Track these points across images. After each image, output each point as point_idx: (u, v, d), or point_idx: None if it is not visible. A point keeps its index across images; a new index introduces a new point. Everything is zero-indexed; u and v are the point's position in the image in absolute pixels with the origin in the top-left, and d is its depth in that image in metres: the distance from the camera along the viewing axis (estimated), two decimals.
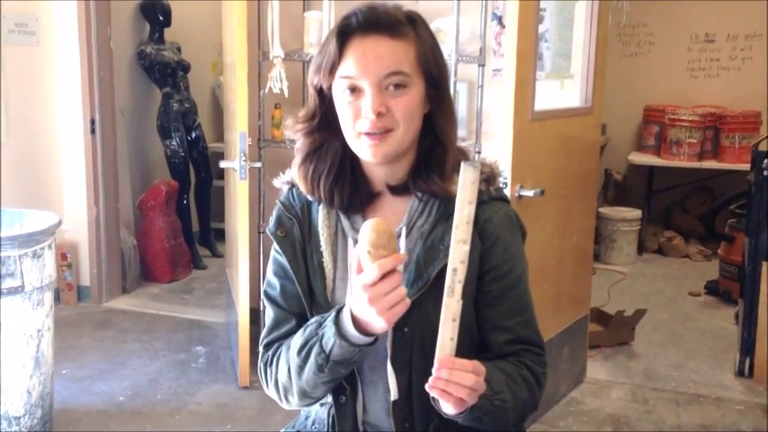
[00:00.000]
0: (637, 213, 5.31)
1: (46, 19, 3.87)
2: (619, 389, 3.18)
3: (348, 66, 1.13)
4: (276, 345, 1.26)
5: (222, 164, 3.20)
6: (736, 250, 4.11)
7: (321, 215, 1.24)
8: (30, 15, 3.78)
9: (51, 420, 2.71)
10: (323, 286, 1.22)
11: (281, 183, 1.30)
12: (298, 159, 1.24)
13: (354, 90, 1.14)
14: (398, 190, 1.22)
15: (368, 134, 1.14)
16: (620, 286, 4.64)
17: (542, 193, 2.45)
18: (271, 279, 1.28)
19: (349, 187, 1.22)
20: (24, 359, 2.52)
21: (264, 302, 1.29)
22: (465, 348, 1.16)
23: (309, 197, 1.25)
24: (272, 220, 1.28)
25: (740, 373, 3.31)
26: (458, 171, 1.20)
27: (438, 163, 1.19)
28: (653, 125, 5.60)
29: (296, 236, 1.24)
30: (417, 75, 1.15)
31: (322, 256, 1.22)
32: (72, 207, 4.00)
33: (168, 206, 4.56)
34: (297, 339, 1.18)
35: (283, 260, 1.24)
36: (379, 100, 1.12)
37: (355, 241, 1.22)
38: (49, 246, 2.56)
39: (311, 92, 1.21)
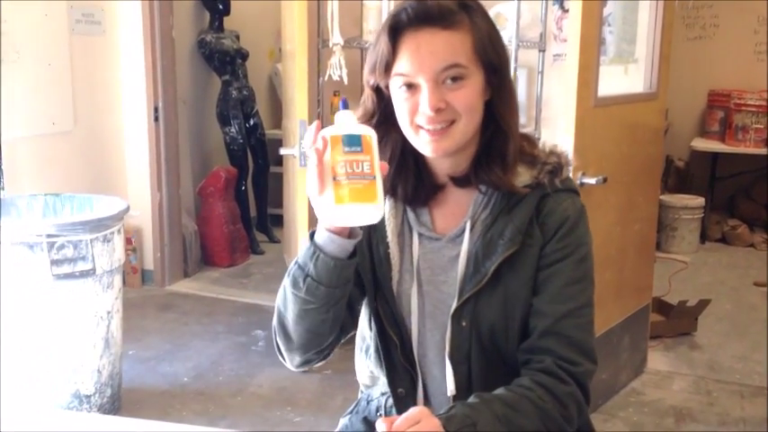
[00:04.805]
0: (699, 201, 5.17)
1: (111, 9, 3.97)
2: (681, 380, 3.12)
3: (402, 63, 1.10)
4: None
5: (282, 151, 3.24)
6: None
7: (388, 205, 1.22)
8: (96, 6, 3.88)
9: (119, 399, 2.80)
10: (389, 276, 1.21)
11: None
12: None
13: (411, 86, 1.11)
14: (462, 182, 1.19)
15: (427, 130, 1.11)
16: (682, 276, 4.53)
17: (605, 180, 2.41)
18: None
19: (413, 179, 1.20)
20: (95, 340, 2.61)
21: None
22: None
23: None
24: None
25: None
26: (521, 161, 1.18)
27: (499, 153, 1.15)
28: (717, 110, 5.43)
29: None
30: (475, 64, 1.11)
31: (388, 247, 1.21)
32: (136, 193, 4.11)
33: (227, 192, 4.64)
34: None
35: None
36: (437, 96, 1.09)
37: (420, 235, 1.22)
38: (119, 230, 2.64)
39: (367, 91, 1.17)
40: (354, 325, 1.28)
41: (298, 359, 1.21)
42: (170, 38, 4.10)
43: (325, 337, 1.17)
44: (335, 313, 1.14)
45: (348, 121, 1.03)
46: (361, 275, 1.22)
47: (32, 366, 2.55)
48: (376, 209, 1.00)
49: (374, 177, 1.00)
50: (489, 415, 1.03)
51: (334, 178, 0.99)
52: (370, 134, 1.02)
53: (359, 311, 1.27)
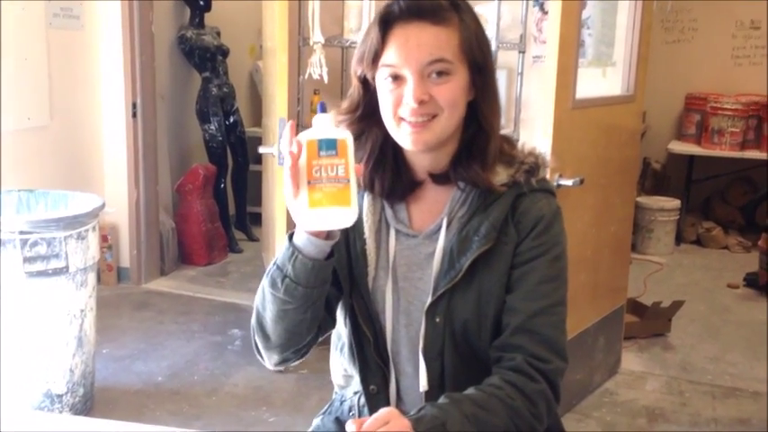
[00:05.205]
0: (675, 203, 5.23)
1: (90, 4, 3.92)
2: (654, 380, 3.16)
3: (390, 54, 1.12)
4: None
5: (261, 149, 3.23)
6: None
7: (366, 201, 1.23)
8: (74, 0, 3.84)
9: (92, 399, 2.78)
10: (365, 273, 1.22)
11: None
12: None
13: (396, 78, 1.13)
14: (441, 179, 1.21)
15: (409, 122, 1.13)
16: (657, 277, 4.58)
17: (582, 182, 2.42)
18: None
19: (390, 174, 1.21)
20: (68, 338, 2.58)
21: None
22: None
23: None
24: None
25: None
26: (500, 161, 1.20)
27: (479, 152, 1.18)
28: (694, 113, 5.50)
29: None
30: (461, 62, 1.13)
31: (365, 243, 1.22)
32: (113, 189, 4.06)
33: (206, 190, 4.61)
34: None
35: None
36: (422, 88, 1.11)
37: (397, 231, 1.23)
38: (93, 228, 2.61)
39: (355, 82, 1.20)
40: (333, 324, 1.29)
41: (276, 358, 1.22)
42: (150, 33, 4.06)
43: (303, 337, 1.19)
44: (313, 313, 1.15)
45: (325, 125, 1.05)
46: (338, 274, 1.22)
47: (3, 365, 2.51)
48: (349, 212, 1.02)
49: (348, 181, 1.01)
50: (458, 415, 1.04)
51: (309, 182, 1.01)
52: (345, 137, 1.04)
53: (337, 310, 1.28)
